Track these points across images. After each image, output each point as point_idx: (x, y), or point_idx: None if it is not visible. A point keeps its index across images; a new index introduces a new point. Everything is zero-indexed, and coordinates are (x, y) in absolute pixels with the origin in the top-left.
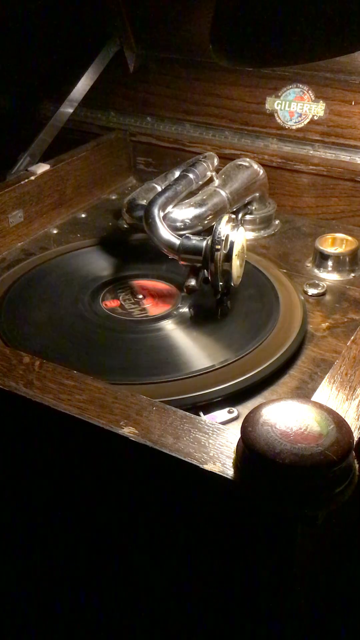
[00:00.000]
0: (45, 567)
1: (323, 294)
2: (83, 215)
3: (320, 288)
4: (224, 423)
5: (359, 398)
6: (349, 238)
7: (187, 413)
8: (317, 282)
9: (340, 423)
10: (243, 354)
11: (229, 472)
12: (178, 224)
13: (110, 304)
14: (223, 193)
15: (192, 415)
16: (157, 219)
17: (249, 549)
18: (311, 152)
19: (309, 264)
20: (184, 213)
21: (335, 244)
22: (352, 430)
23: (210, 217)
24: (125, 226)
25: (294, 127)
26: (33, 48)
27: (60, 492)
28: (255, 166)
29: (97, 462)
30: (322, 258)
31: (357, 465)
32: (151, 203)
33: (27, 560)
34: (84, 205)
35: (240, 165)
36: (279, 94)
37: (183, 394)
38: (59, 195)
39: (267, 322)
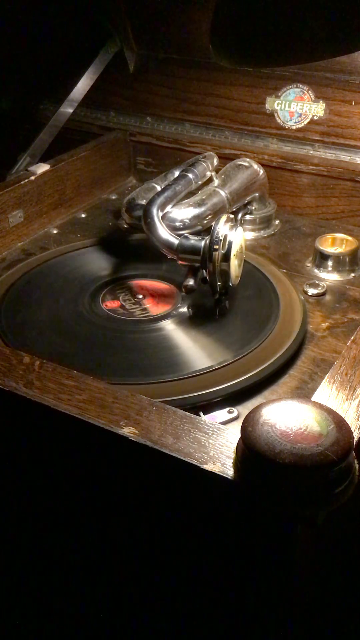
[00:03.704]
0: (45, 567)
1: (323, 294)
2: (83, 215)
3: (320, 288)
4: (224, 423)
5: (359, 398)
6: (349, 238)
7: (187, 413)
8: (317, 282)
9: (340, 423)
10: (243, 354)
11: (229, 472)
12: (177, 224)
13: (110, 304)
14: (222, 193)
15: (192, 415)
16: (155, 219)
17: (249, 549)
18: (311, 152)
19: (309, 264)
20: (183, 213)
21: (335, 244)
22: (352, 430)
23: (209, 217)
24: (125, 226)
25: (294, 127)
26: (33, 48)
27: (60, 492)
28: (255, 166)
29: (97, 462)
30: (322, 258)
31: (357, 465)
32: (150, 203)
33: (26, 560)
34: (84, 205)
35: (240, 165)
36: (279, 94)
37: (183, 394)
38: (59, 195)
39: (267, 322)
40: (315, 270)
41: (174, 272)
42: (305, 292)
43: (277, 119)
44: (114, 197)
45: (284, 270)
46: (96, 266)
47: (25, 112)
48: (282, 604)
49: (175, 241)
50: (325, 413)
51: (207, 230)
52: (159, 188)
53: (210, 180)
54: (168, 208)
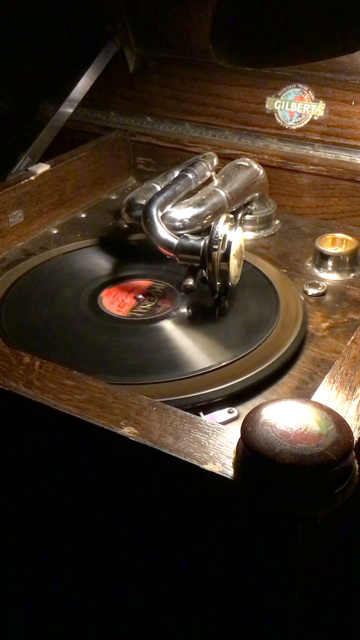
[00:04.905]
0: (45, 567)
1: (323, 294)
2: (83, 215)
3: (320, 288)
4: (224, 423)
5: (359, 398)
6: (349, 238)
7: (187, 413)
8: (317, 282)
9: (340, 423)
10: (243, 353)
11: (229, 472)
12: (177, 224)
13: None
14: (222, 193)
15: (192, 415)
16: (155, 219)
17: (249, 548)
18: (311, 152)
19: (309, 264)
20: (182, 213)
21: (335, 244)
22: (352, 430)
23: (209, 216)
24: (125, 226)
25: (294, 127)
26: (33, 48)
27: (60, 492)
28: (255, 166)
29: (97, 462)
30: (322, 258)
31: (357, 465)
32: (149, 203)
33: (27, 560)
34: (84, 205)
35: (240, 165)
36: (279, 94)
37: (183, 394)
38: (59, 195)
39: (267, 322)
40: (315, 270)
41: (173, 272)
42: (305, 292)
43: (277, 119)
44: (114, 197)
45: (284, 270)
46: (96, 266)
47: (25, 112)
48: (282, 603)
49: (174, 241)
50: (325, 413)
51: (207, 230)
52: (158, 188)
53: (210, 180)
54: (168, 208)
